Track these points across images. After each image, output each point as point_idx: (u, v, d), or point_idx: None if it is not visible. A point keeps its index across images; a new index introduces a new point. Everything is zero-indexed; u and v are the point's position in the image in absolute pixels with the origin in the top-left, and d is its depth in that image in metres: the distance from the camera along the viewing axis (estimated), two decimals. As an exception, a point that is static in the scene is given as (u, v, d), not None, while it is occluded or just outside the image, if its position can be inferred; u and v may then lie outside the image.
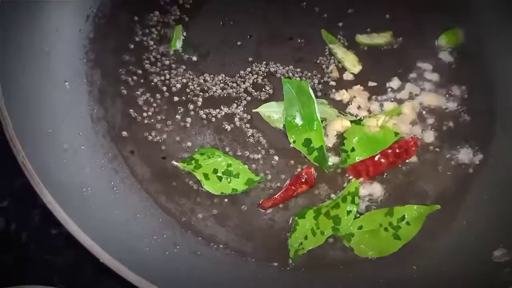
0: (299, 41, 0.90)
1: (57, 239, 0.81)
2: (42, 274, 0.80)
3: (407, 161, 0.82)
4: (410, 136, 0.83)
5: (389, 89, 0.87)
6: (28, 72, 0.73)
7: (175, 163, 0.80)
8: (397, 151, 0.81)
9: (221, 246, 0.77)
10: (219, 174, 0.79)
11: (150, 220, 0.76)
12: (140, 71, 0.86)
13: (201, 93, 0.85)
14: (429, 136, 0.84)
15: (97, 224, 0.66)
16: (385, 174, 0.82)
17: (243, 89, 0.86)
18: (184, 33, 0.89)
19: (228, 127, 0.84)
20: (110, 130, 0.82)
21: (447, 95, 0.87)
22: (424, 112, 0.86)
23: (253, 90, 0.86)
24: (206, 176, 0.79)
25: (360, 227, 0.76)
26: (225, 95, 0.86)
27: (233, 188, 0.78)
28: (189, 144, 0.82)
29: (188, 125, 0.83)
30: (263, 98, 0.86)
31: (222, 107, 0.84)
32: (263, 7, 0.92)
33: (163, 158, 0.81)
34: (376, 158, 0.81)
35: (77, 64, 0.83)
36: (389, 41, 0.90)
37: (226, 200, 0.79)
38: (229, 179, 0.79)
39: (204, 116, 0.84)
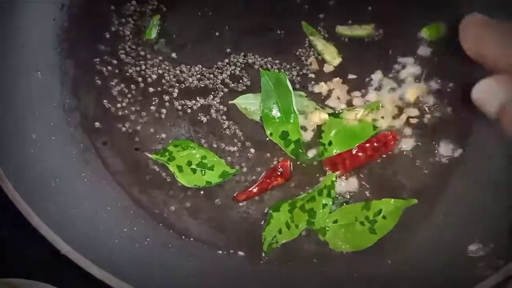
0: (278, 32, 0.89)
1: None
2: (24, 267, 0.78)
3: (384, 155, 0.81)
4: (389, 130, 0.82)
5: (369, 82, 0.86)
6: (0, 60, 0.72)
7: (148, 154, 0.79)
8: (375, 144, 0.80)
9: (193, 239, 0.75)
10: (193, 166, 0.77)
11: (121, 213, 0.75)
12: (115, 61, 0.85)
13: (177, 84, 0.84)
14: (408, 130, 0.83)
15: (64, 216, 0.65)
16: (363, 167, 0.80)
17: (220, 81, 0.85)
18: (161, 23, 0.87)
19: (204, 119, 0.82)
20: (83, 121, 0.81)
21: (427, 89, 0.86)
22: (404, 106, 0.84)
23: (230, 82, 0.85)
24: (180, 168, 0.77)
25: (335, 221, 0.75)
26: (202, 86, 0.84)
27: (207, 181, 0.77)
28: (164, 135, 0.81)
29: (163, 116, 0.82)
30: (240, 89, 0.84)
31: (198, 99, 0.83)
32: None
33: (137, 149, 0.80)
34: (353, 152, 0.79)
35: (50, 53, 0.82)
36: (370, 33, 0.89)
37: (200, 192, 0.78)
38: (203, 171, 0.77)
39: (179, 107, 0.83)
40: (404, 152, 0.82)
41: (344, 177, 0.80)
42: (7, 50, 0.74)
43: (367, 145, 0.79)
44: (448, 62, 0.87)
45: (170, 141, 0.80)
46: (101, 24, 0.87)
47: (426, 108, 0.84)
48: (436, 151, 0.82)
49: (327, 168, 0.80)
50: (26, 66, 0.77)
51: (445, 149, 0.82)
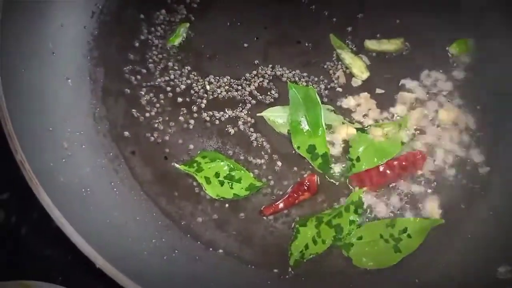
0: (306, 44, 0.88)
1: (57, 234, 0.80)
2: (40, 269, 0.78)
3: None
4: (418, 148, 0.81)
5: (398, 98, 0.86)
6: (30, 67, 0.72)
7: (176, 165, 0.79)
8: (404, 163, 0.79)
9: (220, 251, 0.76)
10: (221, 178, 0.78)
11: (149, 223, 0.75)
12: (144, 70, 0.85)
13: (205, 95, 0.84)
14: (438, 149, 0.82)
15: (95, 227, 0.65)
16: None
17: (248, 92, 0.85)
18: (187, 32, 0.87)
19: (232, 131, 0.82)
20: (112, 129, 0.81)
21: (456, 106, 0.85)
22: (433, 123, 0.84)
23: (258, 94, 0.85)
24: (207, 180, 0.77)
25: (360, 238, 0.75)
26: (230, 97, 0.84)
27: (234, 193, 0.77)
28: (192, 146, 0.81)
29: (191, 127, 0.82)
30: (268, 102, 0.84)
31: (226, 110, 0.83)
32: (271, 9, 0.90)
33: (165, 159, 0.80)
34: (381, 169, 0.79)
35: (80, 61, 0.82)
36: (399, 48, 0.89)
37: (227, 205, 0.78)
38: (230, 183, 0.77)
39: (207, 118, 0.83)
40: (432, 171, 0.81)
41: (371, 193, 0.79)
42: (37, 57, 0.74)
43: (395, 163, 0.79)
44: (478, 79, 0.87)
45: (198, 152, 0.80)
46: (131, 32, 0.87)
47: (455, 127, 0.84)
48: (463, 171, 0.81)
49: (354, 184, 0.79)
50: (56, 73, 0.77)
51: (473, 169, 0.82)
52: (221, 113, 0.83)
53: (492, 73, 0.88)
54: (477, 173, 0.81)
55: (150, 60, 0.85)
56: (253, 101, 0.84)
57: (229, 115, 0.83)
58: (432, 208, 0.79)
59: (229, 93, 0.84)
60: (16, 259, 0.79)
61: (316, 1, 0.90)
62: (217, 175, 0.78)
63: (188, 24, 0.88)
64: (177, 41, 0.87)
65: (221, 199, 0.77)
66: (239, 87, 0.85)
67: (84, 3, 0.84)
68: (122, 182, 0.77)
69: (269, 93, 0.85)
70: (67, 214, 0.59)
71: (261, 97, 0.84)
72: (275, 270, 0.75)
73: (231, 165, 0.78)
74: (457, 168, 0.81)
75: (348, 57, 0.88)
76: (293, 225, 0.77)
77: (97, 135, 0.79)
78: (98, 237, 0.61)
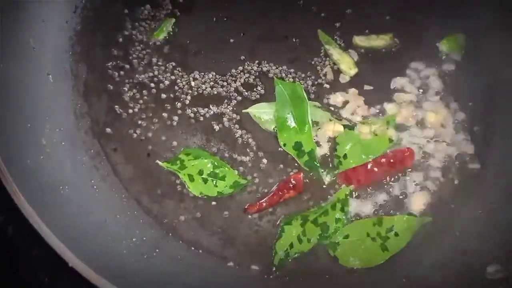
0: (294, 40, 0.87)
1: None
2: (27, 269, 0.76)
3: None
4: (406, 145, 0.80)
5: (386, 94, 0.84)
6: (9, 62, 0.70)
7: (159, 162, 0.77)
8: (391, 160, 0.78)
9: (202, 250, 0.74)
10: (205, 176, 0.76)
11: (130, 222, 0.73)
12: (127, 66, 0.83)
13: (190, 91, 0.83)
14: (427, 146, 0.81)
15: (72, 225, 0.64)
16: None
17: (233, 88, 0.83)
18: (173, 28, 0.86)
19: (217, 127, 0.81)
20: (94, 126, 0.79)
21: (445, 103, 0.84)
22: (422, 120, 0.82)
23: (244, 90, 0.83)
24: (191, 177, 0.76)
25: (347, 236, 0.74)
26: (215, 93, 0.83)
27: (218, 191, 0.76)
28: (175, 143, 0.79)
29: (175, 123, 0.81)
30: (254, 98, 0.83)
31: (211, 106, 0.82)
32: (258, 4, 0.89)
33: (148, 156, 0.79)
34: (368, 166, 0.77)
35: (62, 56, 0.81)
36: (388, 44, 0.87)
37: (211, 203, 0.76)
38: (214, 181, 0.76)
39: (192, 115, 0.81)
40: (420, 168, 0.80)
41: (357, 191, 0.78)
42: (16, 53, 0.73)
43: (383, 160, 0.77)
44: (468, 75, 0.85)
45: (181, 149, 0.78)
46: (114, 27, 0.86)
47: (444, 123, 0.82)
48: (453, 168, 0.80)
49: (341, 182, 0.78)
50: (37, 69, 0.76)
51: (462, 167, 0.80)
52: (206, 109, 0.81)
53: (483, 69, 0.86)
54: (467, 171, 0.80)
55: (134, 56, 0.84)
56: (239, 98, 0.83)
57: (214, 112, 0.81)
58: (421, 206, 0.77)
59: (214, 89, 0.83)
60: (2, 259, 0.77)
61: (304, -4, 0.89)
62: (200, 172, 0.76)
63: (173, 20, 0.87)
64: (161, 36, 0.85)
65: (205, 197, 0.76)
66: (225, 83, 0.83)
67: (66, -3, 0.82)
68: (103, 180, 0.75)
69: (255, 89, 0.83)
70: (41, 210, 0.57)
71: (247, 93, 0.83)
72: (259, 270, 0.73)
73: (215, 163, 0.77)
74: (446, 166, 0.80)
75: (336, 53, 0.86)
76: (278, 224, 0.75)
77: (78, 132, 0.78)
78: (73, 236, 0.60)
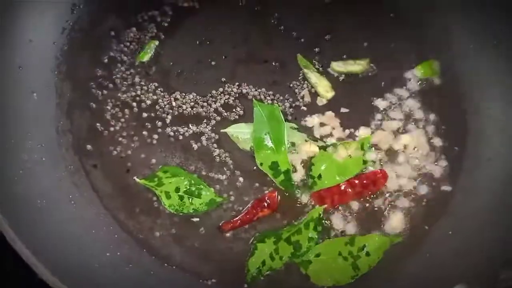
0: (274, 64, 0.90)
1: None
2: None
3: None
4: (380, 167, 0.82)
5: (361, 117, 0.86)
6: (-5, 79, 0.73)
7: (137, 179, 0.79)
8: (364, 181, 0.79)
9: (175, 266, 0.75)
10: (181, 193, 0.78)
11: (105, 237, 0.74)
12: (111, 85, 0.86)
13: (171, 111, 0.85)
14: (400, 168, 0.83)
15: (47, 239, 0.65)
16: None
17: (213, 109, 0.86)
18: (156, 50, 0.89)
19: (195, 146, 0.83)
20: (75, 143, 0.81)
21: (420, 127, 0.86)
22: (397, 143, 0.84)
23: (224, 111, 0.86)
24: (167, 194, 0.77)
25: (318, 255, 0.75)
26: (195, 113, 0.85)
27: (194, 208, 0.77)
28: (154, 161, 0.81)
29: (154, 142, 0.83)
30: (232, 118, 0.85)
31: (190, 126, 0.84)
32: (241, 29, 0.92)
33: (127, 172, 0.80)
34: (342, 187, 0.79)
35: (47, 75, 0.83)
36: (365, 69, 0.90)
37: (186, 220, 0.78)
38: (190, 198, 0.78)
39: (171, 133, 0.83)
40: (392, 189, 0.81)
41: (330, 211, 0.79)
42: (3, 71, 0.75)
43: (356, 181, 0.79)
44: (441, 100, 0.88)
45: (160, 167, 0.80)
46: (100, 48, 0.88)
47: (417, 146, 0.84)
48: (424, 189, 0.81)
49: (315, 202, 0.79)
50: (21, 87, 0.78)
51: (434, 188, 0.82)
52: (185, 128, 0.84)
53: (457, 94, 0.89)
54: (439, 193, 0.81)
55: (118, 76, 0.87)
56: (218, 118, 0.85)
57: (193, 131, 0.84)
58: (393, 226, 0.79)
59: (194, 109, 0.85)
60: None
61: (285, 21, 0.92)
62: (177, 189, 0.78)
63: (157, 42, 0.90)
64: (145, 58, 0.88)
65: (181, 214, 0.77)
66: (205, 104, 0.86)
67: (55, 19, 0.85)
68: (81, 196, 0.77)
69: (234, 110, 0.86)
70: (15, 224, 0.59)
71: (226, 114, 0.85)
72: (232, 287, 0.74)
73: (192, 180, 0.79)
74: (419, 187, 0.82)
75: (314, 76, 0.89)
76: (251, 241, 0.77)
77: (59, 148, 0.80)
78: (47, 249, 0.61)
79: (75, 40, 0.87)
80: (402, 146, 0.84)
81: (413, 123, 0.86)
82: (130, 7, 0.91)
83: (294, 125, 0.84)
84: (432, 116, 0.87)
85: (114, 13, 0.90)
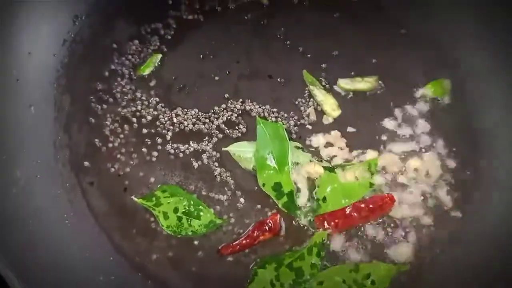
0: (278, 80, 0.87)
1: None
2: None
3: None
4: (387, 190, 0.78)
5: (369, 138, 0.83)
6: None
7: (134, 198, 0.76)
8: (371, 206, 0.76)
9: (171, 292, 0.72)
10: (179, 214, 0.75)
11: (100, 259, 0.72)
12: (111, 100, 0.84)
13: (171, 127, 0.82)
14: (409, 193, 0.79)
15: (37, 261, 0.62)
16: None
17: (215, 126, 0.83)
18: (159, 63, 0.87)
19: (196, 164, 0.80)
20: (72, 158, 0.79)
21: (430, 149, 0.83)
22: (405, 166, 0.81)
23: (226, 128, 0.83)
24: (165, 215, 0.75)
25: (321, 283, 0.72)
26: (196, 130, 0.82)
27: (192, 230, 0.75)
28: (152, 179, 0.79)
29: (154, 159, 0.80)
30: (235, 136, 0.82)
31: (191, 143, 0.81)
32: (245, 43, 0.89)
33: (124, 191, 0.78)
34: (347, 211, 0.76)
35: (46, 88, 0.81)
36: (373, 87, 0.87)
37: (184, 242, 0.75)
38: (189, 220, 0.75)
39: (172, 151, 0.81)
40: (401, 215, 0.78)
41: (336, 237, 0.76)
42: (1, 85, 0.73)
43: (362, 205, 0.76)
44: (452, 120, 0.85)
45: (158, 186, 0.78)
46: (101, 61, 0.86)
47: (426, 169, 0.81)
48: (432, 217, 0.78)
49: (318, 226, 0.76)
50: (18, 100, 0.76)
51: (442, 216, 0.79)
52: (186, 146, 0.81)
53: (468, 114, 0.85)
54: (449, 219, 0.78)
55: (118, 90, 0.84)
56: (220, 135, 0.82)
57: (194, 148, 0.81)
58: (399, 252, 0.75)
59: (196, 126, 0.83)
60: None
61: (291, 36, 0.90)
62: (176, 210, 0.75)
63: (160, 56, 0.87)
64: (147, 71, 0.86)
65: (179, 235, 0.74)
66: (207, 120, 0.83)
67: (56, 31, 0.84)
68: (76, 215, 0.75)
69: (237, 127, 0.83)
70: (3, 246, 0.56)
71: (228, 131, 0.83)
72: (230, 314, 0.71)
73: (191, 201, 0.76)
74: (428, 212, 0.78)
75: (320, 94, 0.86)
76: (251, 267, 0.74)
77: (55, 164, 0.78)
78: (37, 270, 0.58)
79: (76, 52, 0.85)
80: (411, 170, 0.81)
81: (422, 145, 0.83)
82: (134, 19, 0.89)
83: (299, 145, 0.82)
84: (442, 138, 0.84)
85: (117, 25, 0.88)
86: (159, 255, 0.74)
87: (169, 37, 0.89)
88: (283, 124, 0.82)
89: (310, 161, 0.80)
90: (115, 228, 0.75)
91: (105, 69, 0.86)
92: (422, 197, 0.79)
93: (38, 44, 0.81)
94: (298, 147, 0.81)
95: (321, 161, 0.81)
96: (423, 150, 0.83)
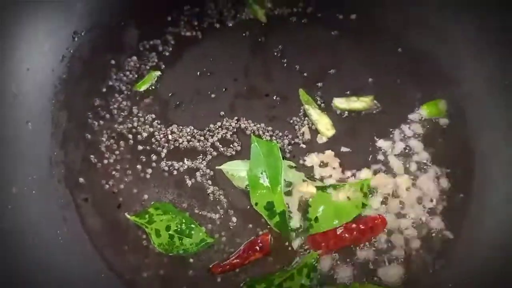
0: (274, 98, 0.88)
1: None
2: None
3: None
4: (379, 211, 0.78)
5: (363, 158, 0.83)
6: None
7: (127, 216, 0.77)
8: (362, 227, 0.76)
9: (160, 310, 0.73)
10: (171, 232, 0.76)
11: (91, 276, 0.73)
12: (108, 116, 0.85)
13: (166, 144, 0.83)
14: (401, 214, 0.79)
15: (28, 275, 0.63)
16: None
17: (210, 144, 0.84)
18: (156, 80, 0.88)
19: (189, 182, 0.81)
20: (67, 175, 0.80)
21: (424, 169, 0.83)
22: (396, 186, 0.81)
23: (220, 146, 0.84)
24: (157, 232, 0.76)
25: (311, 304, 0.72)
26: (191, 148, 0.83)
27: (184, 249, 0.75)
28: (146, 196, 0.80)
29: (148, 176, 0.81)
30: (229, 154, 0.83)
31: (185, 161, 0.82)
32: (243, 61, 0.90)
33: (118, 207, 0.79)
34: (338, 232, 0.76)
35: (44, 104, 0.82)
36: (368, 106, 0.87)
37: (176, 260, 0.76)
38: (181, 238, 0.75)
39: (166, 168, 0.82)
40: (393, 236, 0.78)
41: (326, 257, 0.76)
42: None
43: (354, 226, 0.76)
44: (448, 140, 0.85)
45: (151, 203, 0.78)
46: (100, 77, 0.87)
47: (420, 190, 0.81)
48: (427, 237, 0.78)
49: (310, 246, 0.77)
50: (16, 116, 0.77)
51: (437, 236, 0.79)
52: (180, 163, 0.82)
53: (465, 135, 0.85)
54: (441, 240, 0.78)
55: (115, 106, 0.85)
56: (214, 153, 0.83)
57: (188, 166, 0.82)
58: (389, 274, 0.75)
59: (190, 143, 0.84)
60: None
61: (288, 54, 0.91)
62: (168, 228, 0.76)
63: (158, 73, 0.88)
64: (143, 87, 0.87)
65: (170, 254, 0.75)
66: (202, 138, 0.84)
67: (55, 47, 0.85)
68: (69, 231, 0.76)
69: (231, 145, 0.84)
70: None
71: (222, 149, 0.83)
72: (219, 334, 0.71)
73: (183, 219, 0.76)
74: (420, 233, 0.78)
75: (315, 113, 0.86)
76: (241, 286, 0.74)
77: (51, 180, 0.79)
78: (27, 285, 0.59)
79: (75, 68, 0.86)
80: (404, 190, 0.80)
81: (416, 165, 0.83)
82: (133, 35, 0.90)
83: (292, 164, 0.82)
84: (436, 159, 0.83)
85: (116, 41, 0.89)
86: (150, 272, 0.75)
87: (167, 54, 0.90)
88: (278, 142, 0.82)
89: (303, 180, 0.80)
90: (107, 245, 0.76)
91: (103, 85, 0.87)
92: (414, 218, 0.79)
93: (37, 60, 0.82)
94: (291, 166, 0.82)
95: (314, 180, 0.81)
96: (417, 171, 0.82)
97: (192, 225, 0.76)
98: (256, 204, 0.78)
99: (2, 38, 0.76)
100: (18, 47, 0.79)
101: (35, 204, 0.74)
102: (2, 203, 0.69)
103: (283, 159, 0.80)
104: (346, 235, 0.76)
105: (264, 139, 0.84)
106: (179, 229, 0.76)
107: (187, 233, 0.76)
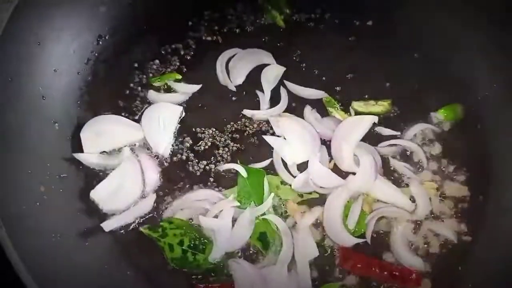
0: (293, 105, 0.89)
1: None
2: None
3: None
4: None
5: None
6: (17, 108, 0.74)
7: (141, 229, 0.76)
8: (395, 273, 0.75)
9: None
10: (185, 247, 0.74)
11: (117, 273, 0.73)
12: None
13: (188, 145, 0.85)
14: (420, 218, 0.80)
15: (57, 274, 0.64)
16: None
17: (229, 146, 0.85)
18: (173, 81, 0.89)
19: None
20: (93, 174, 0.81)
21: (441, 172, 0.84)
22: (412, 190, 0.82)
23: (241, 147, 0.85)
24: (171, 247, 0.74)
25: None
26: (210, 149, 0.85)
27: (197, 264, 0.74)
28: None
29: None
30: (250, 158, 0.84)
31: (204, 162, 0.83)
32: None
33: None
34: (371, 261, 0.76)
35: (70, 106, 0.84)
36: (386, 110, 0.88)
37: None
38: (194, 254, 0.74)
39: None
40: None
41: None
42: (25, 100, 0.76)
43: (389, 266, 0.76)
44: (464, 145, 0.86)
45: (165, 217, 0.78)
46: (123, 80, 0.89)
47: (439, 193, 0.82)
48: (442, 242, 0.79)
49: (339, 260, 0.76)
50: (43, 117, 0.79)
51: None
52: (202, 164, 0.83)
53: (482, 139, 0.86)
54: (460, 244, 0.78)
55: (138, 108, 0.87)
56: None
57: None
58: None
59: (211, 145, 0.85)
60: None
61: (307, 59, 0.92)
62: (181, 243, 0.75)
63: (176, 75, 0.90)
64: (156, 83, 0.88)
65: (184, 269, 0.74)
66: (222, 139, 0.85)
67: (80, 50, 0.87)
68: (95, 231, 0.76)
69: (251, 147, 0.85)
70: (28, 260, 0.59)
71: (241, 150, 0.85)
72: None
73: (197, 234, 0.76)
74: (440, 236, 0.79)
75: (338, 116, 0.88)
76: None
77: (77, 179, 0.80)
78: (56, 282, 0.61)
79: (99, 70, 0.88)
80: (420, 195, 0.81)
81: (433, 169, 0.84)
82: (155, 39, 0.92)
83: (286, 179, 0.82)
84: (454, 163, 0.84)
85: (139, 45, 0.91)
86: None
87: (189, 57, 0.92)
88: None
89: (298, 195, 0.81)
90: (132, 243, 0.77)
91: (127, 87, 0.89)
92: (433, 224, 0.80)
93: (63, 62, 0.84)
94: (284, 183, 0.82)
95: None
96: (435, 174, 0.83)
97: (206, 241, 0.75)
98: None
99: (30, 41, 0.77)
100: (45, 50, 0.81)
101: (62, 202, 0.75)
102: (31, 200, 0.70)
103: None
104: (377, 269, 0.76)
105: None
106: (192, 245, 0.75)
107: (200, 248, 0.75)
